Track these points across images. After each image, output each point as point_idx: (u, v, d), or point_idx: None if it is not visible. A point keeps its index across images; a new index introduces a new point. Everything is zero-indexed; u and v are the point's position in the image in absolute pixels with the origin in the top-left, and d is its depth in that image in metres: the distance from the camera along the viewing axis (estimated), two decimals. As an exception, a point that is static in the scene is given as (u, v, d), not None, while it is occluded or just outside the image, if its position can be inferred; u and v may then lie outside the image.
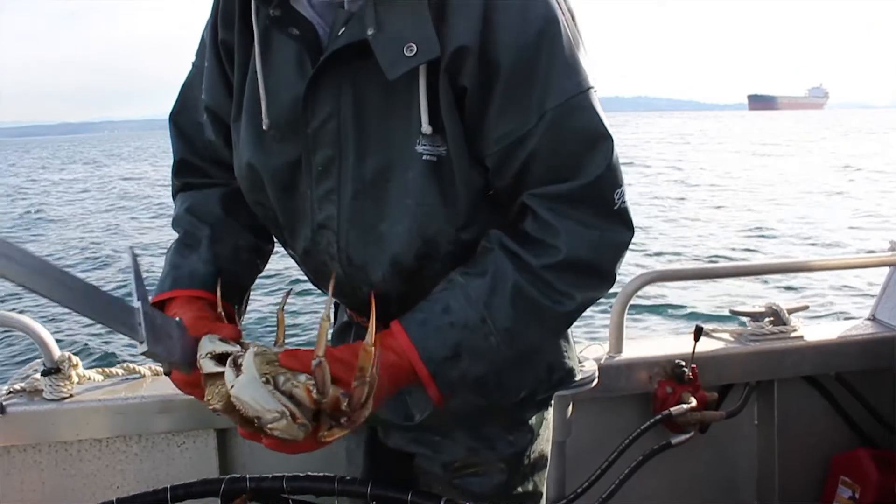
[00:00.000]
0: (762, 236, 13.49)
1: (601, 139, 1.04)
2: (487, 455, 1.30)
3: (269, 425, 0.88)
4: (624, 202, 1.07)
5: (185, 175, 1.32)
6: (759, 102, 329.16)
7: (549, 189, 1.04)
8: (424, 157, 1.03)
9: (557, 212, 1.04)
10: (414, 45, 0.97)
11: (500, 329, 1.03)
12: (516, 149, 1.03)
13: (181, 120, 1.32)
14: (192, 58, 1.32)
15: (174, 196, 1.36)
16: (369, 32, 0.98)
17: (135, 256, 1.01)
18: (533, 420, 1.33)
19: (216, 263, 1.20)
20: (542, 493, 1.38)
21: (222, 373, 0.94)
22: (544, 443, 1.37)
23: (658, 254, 11.88)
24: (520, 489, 1.33)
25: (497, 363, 1.08)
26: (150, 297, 1.06)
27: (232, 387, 0.90)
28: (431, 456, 1.31)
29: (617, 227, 1.07)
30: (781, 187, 21.63)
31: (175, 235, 1.27)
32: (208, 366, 0.96)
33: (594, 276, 1.08)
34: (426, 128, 1.01)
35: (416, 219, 1.07)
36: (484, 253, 1.08)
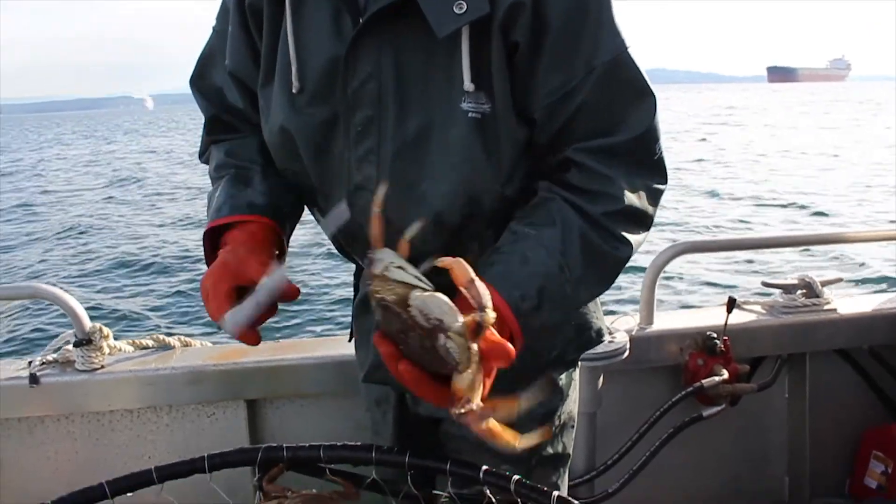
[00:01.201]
0: (797, 207, 13.36)
1: (646, 95, 1.07)
2: (521, 417, 1.29)
3: (451, 331, 0.83)
4: (662, 152, 1.10)
5: (218, 132, 1.31)
6: (779, 74, 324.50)
7: (596, 143, 1.06)
8: (470, 115, 1.04)
9: (607, 164, 1.06)
10: (464, 3, 0.97)
11: (574, 277, 1.04)
12: (564, 103, 1.05)
13: (202, 84, 1.31)
14: (209, 27, 1.31)
15: (202, 153, 1.35)
16: None
17: (343, 217, 1.00)
18: (563, 380, 1.33)
19: (271, 197, 1.19)
20: (570, 455, 1.39)
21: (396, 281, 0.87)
22: (572, 403, 1.37)
23: (687, 223, 11.82)
24: (550, 450, 1.33)
25: (569, 311, 1.11)
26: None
27: (417, 296, 0.85)
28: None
29: (657, 176, 1.11)
30: (814, 159, 21.36)
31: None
32: (397, 274, 0.87)
33: (641, 222, 1.10)
34: (468, 85, 1.02)
35: (461, 175, 1.07)
36: (544, 203, 1.08)
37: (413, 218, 1.09)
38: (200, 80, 1.32)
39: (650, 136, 1.07)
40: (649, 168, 1.09)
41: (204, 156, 1.35)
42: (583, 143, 1.06)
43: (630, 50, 1.05)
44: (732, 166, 20.49)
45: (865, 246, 8.52)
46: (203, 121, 1.32)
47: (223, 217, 1.15)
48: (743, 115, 50.42)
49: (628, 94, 1.06)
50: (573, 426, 1.38)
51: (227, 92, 1.27)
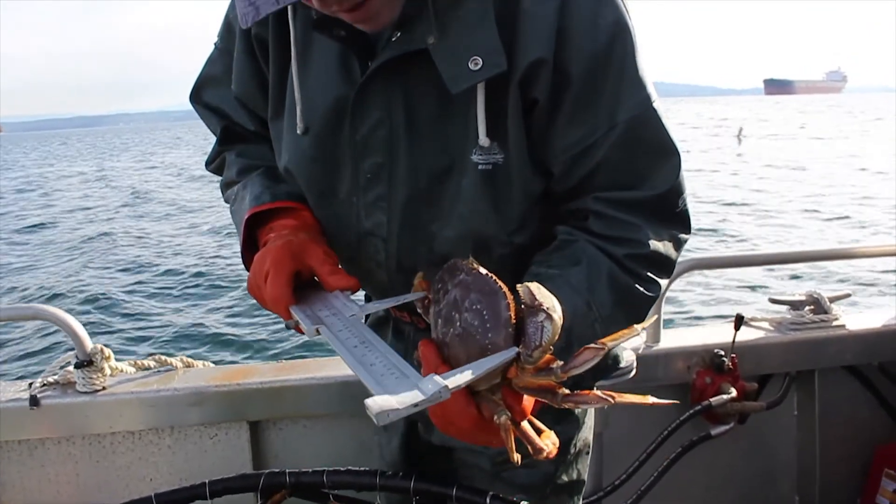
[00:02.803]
0: (807, 220, 13.34)
1: (670, 154, 1.04)
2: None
3: (554, 313, 0.81)
4: (686, 205, 1.08)
5: (233, 141, 1.28)
6: (776, 87, 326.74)
7: (619, 195, 1.03)
8: (480, 167, 1.02)
9: (628, 213, 1.03)
10: (480, 59, 0.93)
11: (603, 316, 1.00)
12: (584, 157, 1.02)
13: (203, 101, 1.30)
14: (206, 46, 1.30)
15: (211, 161, 1.32)
16: (430, 41, 0.95)
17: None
18: (578, 408, 1.31)
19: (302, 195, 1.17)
20: (584, 481, 1.37)
21: None
22: (588, 430, 1.35)
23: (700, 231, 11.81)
24: (564, 478, 1.32)
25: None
26: (247, 210, 1.09)
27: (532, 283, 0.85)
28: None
29: (680, 226, 1.08)
30: (819, 172, 21.35)
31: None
32: None
33: (664, 267, 1.06)
34: (483, 140, 0.99)
35: (468, 224, 1.05)
36: (567, 244, 1.05)
37: (424, 258, 1.07)
38: (200, 98, 1.30)
39: (674, 192, 1.05)
40: (672, 220, 1.07)
41: (213, 163, 1.32)
42: (603, 194, 1.03)
43: (655, 105, 1.02)
44: (744, 178, 20.53)
45: (876, 261, 8.49)
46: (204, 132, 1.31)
47: (265, 203, 1.12)
48: (749, 125, 50.48)
49: (651, 152, 1.03)
50: (588, 452, 1.36)
51: (231, 113, 1.26)
